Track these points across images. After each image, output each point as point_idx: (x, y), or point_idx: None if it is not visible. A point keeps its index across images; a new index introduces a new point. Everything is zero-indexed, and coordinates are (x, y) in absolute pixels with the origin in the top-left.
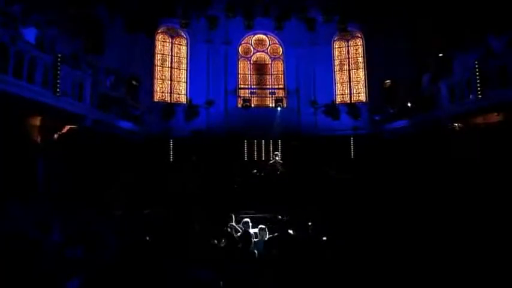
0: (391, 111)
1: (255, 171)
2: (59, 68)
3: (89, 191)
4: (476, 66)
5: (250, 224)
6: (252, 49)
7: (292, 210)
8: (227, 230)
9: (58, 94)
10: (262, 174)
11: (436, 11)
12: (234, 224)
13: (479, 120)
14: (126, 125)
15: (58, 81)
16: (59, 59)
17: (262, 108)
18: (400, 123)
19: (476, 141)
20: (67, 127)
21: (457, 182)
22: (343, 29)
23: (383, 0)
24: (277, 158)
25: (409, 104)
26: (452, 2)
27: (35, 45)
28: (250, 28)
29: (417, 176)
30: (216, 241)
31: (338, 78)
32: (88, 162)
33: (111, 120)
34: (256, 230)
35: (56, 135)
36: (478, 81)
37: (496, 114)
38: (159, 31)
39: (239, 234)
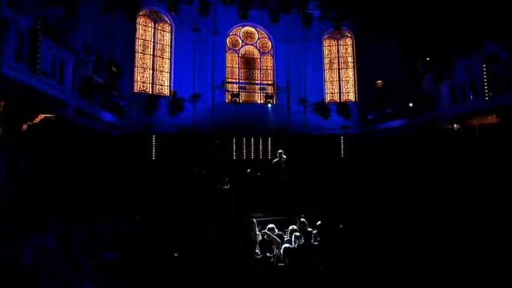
0: (389, 110)
1: (249, 170)
2: (39, 38)
3: (64, 195)
4: (484, 69)
5: (277, 230)
6: (241, 42)
7: (306, 212)
8: (266, 238)
9: (38, 72)
10: (259, 174)
11: (433, 13)
12: (267, 231)
13: (478, 121)
14: (108, 117)
15: (38, 55)
16: (39, 26)
17: (251, 104)
18: (396, 123)
19: (474, 141)
20: (41, 116)
21: (453, 180)
22: (337, 27)
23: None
24: (284, 157)
25: (410, 104)
26: (450, 5)
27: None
28: (246, 18)
29: (411, 175)
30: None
31: (328, 77)
32: (64, 161)
33: (95, 111)
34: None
35: (24, 126)
36: (486, 84)
37: (495, 116)
38: (140, 14)
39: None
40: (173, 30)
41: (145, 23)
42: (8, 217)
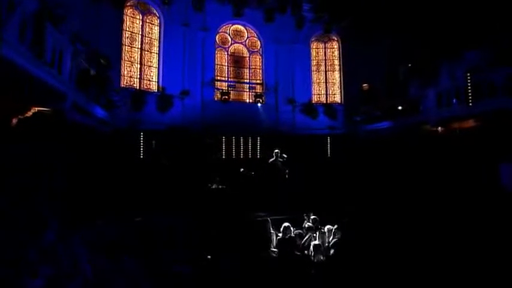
0: (378, 113)
1: (242, 169)
2: (45, 21)
3: (64, 196)
4: (469, 77)
5: (292, 229)
6: (230, 39)
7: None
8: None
9: (43, 59)
10: (253, 173)
11: (419, 20)
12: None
13: (458, 125)
14: (100, 112)
15: (44, 39)
16: (46, 11)
17: (240, 103)
18: (382, 125)
19: (455, 143)
20: (34, 109)
21: (435, 177)
22: (328, 30)
23: (364, 7)
24: (284, 156)
25: (399, 108)
26: (436, 13)
27: None
28: (240, 16)
29: (396, 173)
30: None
31: (315, 79)
32: (61, 160)
33: (89, 105)
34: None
35: (14, 120)
36: (470, 91)
37: (473, 120)
38: (127, 4)
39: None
40: (162, 23)
41: (133, 14)
42: (9, 218)
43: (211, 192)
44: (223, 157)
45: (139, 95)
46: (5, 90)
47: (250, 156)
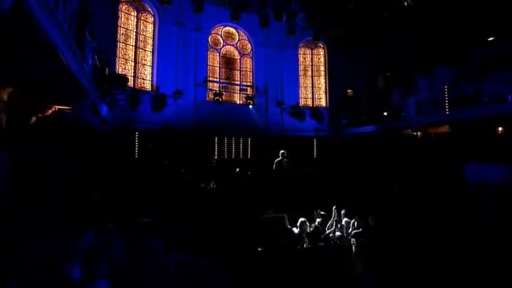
0: (363, 117)
1: (238, 169)
2: (87, 19)
3: (69, 197)
4: (446, 90)
5: (308, 224)
6: (222, 41)
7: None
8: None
9: (83, 55)
10: (249, 173)
11: (401, 32)
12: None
13: (433, 130)
14: (105, 111)
15: (84, 36)
16: (86, 9)
17: (232, 104)
18: (366, 129)
19: (430, 145)
20: (54, 107)
21: (412, 175)
22: (317, 38)
23: (349, 18)
24: (285, 158)
25: (385, 113)
26: (419, 26)
27: None
28: (237, 19)
29: (378, 171)
30: None
31: (302, 83)
32: (68, 160)
33: (99, 104)
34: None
35: (34, 119)
36: (447, 101)
37: (447, 126)
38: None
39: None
40: (156, 21)
41: (128, 10)
42: (12, 218)
43: (210, 193)
44: (216, 157)
45: (134, 94)
46: (46, 88)
47: (241, 157)
